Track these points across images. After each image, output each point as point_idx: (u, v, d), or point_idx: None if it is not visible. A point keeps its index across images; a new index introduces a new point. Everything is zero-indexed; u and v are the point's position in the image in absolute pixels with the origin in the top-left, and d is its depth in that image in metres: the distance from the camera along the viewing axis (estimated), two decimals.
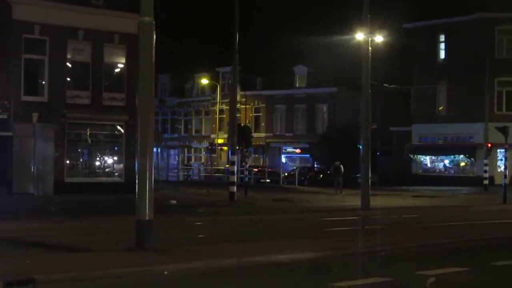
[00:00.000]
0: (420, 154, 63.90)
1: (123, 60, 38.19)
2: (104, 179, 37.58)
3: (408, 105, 65.53)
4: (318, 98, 71.35)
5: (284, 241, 16.04)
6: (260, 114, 75.96)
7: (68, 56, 36.73)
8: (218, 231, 19.99)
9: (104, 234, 18.14)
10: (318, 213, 28.35)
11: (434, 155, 63.45)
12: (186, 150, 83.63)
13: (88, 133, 37.47)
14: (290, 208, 31.41)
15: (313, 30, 62.89)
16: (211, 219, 24.68)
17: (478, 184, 51.66)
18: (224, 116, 73.22)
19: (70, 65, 36.93)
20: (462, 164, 62.19)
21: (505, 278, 12.58)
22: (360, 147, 31.51)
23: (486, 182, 49.12)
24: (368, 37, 31.38)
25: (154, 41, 14.09)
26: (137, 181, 13.81)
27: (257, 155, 75.69)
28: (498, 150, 53.65)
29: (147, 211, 13.71)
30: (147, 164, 13.80)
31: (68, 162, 36.69)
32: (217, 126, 76.16)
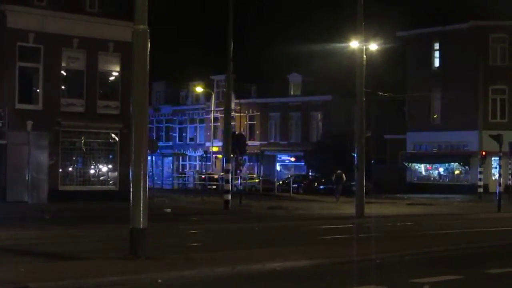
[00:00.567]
0: (414, 162, 63.96)
1: (118, 68, 38.19)
2: (98, 187, 37.55)
3: (403, 113, 65.56)
4: (312, 106, 71.37)
5: (279, 249, 16.05)
6: (255, 122, 75.91)
7: (63, 64, 36.73)
8: (213, 239, 19.97)
9: (98, 242, 18.13)
10: (313, 221, 28.38)
11: (429, 163, 63.52)
12: (180, 158, 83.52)
13: (82, 141, 37.45)
14: (285, 216, 31.40)
15: (308, 39, 62.77)
16: (205, 227, 24.67)
17: (472, 192, 51.69)
18: (219, 124, 73.17)
19: (64, 73, 36.93)
20: (457, 172, 62.25)
21: (499, 286, 12.61)
22: (355, 155, 31.53)
23: (480, 190, 49.14)
24: (362, 45, 31.45)
25: (149, 49, 14.11)
26: (131, 189, 13.80)
27: (251, 163, 75.62)
28: (493, 158, 53.74)
29: (142, 219, 13.69)
30: (142, 172, 13.79)
31: (62, 170, 36.62)
32: (211, 134, 76.14)
